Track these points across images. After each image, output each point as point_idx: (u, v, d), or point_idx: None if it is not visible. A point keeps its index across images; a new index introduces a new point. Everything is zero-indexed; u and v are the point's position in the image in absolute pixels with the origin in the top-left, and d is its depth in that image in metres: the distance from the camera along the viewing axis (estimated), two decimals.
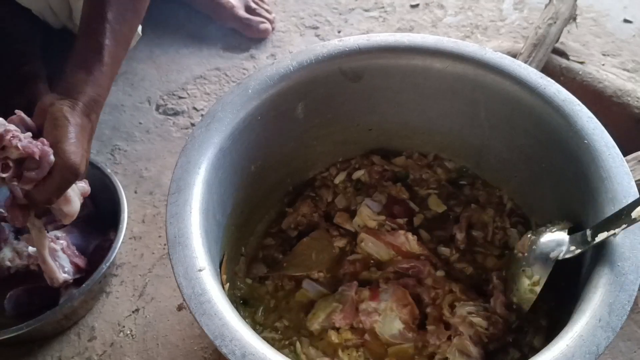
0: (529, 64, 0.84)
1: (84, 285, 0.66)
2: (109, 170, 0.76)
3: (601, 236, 0.47)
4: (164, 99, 0.99)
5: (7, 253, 0.71)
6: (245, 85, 0.59)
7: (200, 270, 0.46)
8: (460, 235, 0.64)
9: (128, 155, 0.90)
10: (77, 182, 0.61)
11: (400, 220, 0.65)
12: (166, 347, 0.69)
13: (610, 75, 0.89)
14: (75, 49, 0.63)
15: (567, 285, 0.53)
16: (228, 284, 0.58)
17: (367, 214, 0.65)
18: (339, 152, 0.71)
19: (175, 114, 0.97)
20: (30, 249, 0.70)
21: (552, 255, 0.51)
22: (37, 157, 0.54)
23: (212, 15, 1.10)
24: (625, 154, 0.53)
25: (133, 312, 0.72)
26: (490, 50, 0.60)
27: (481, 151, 0.65)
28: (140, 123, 0.96)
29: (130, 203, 0.82)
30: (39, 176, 0.55)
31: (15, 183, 0.55)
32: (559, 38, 0.90)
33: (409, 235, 0.62)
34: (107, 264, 0.68)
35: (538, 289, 0.52)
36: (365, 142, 0.70)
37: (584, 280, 0.48)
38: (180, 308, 0.72)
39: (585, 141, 0.53)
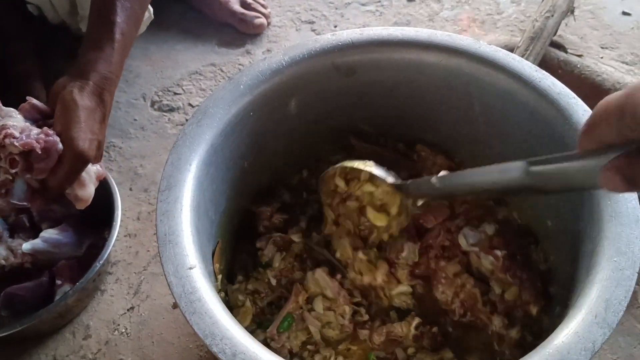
0: (526, 58, 0.83)
1: (78, 283, 0.66)
2: None
3: None
4: (159, 95, 0.99)
5: (1, 251, 0.70)
6: (237, 80, 0.58)
7: (190, 269, 0.45)
8: None
9: (123, 152, 0.90)
10: (92, 165, 0.61)
11: None
12: (161, 345, 0.68)
13: (609, 68, 0.88)
14: (87, 30, 0.64)
15: (565, 278, 0.53)
16: (221, 276, 0.57)
17: None
18: (333, 148, 0.70)
19: (171, 110, 0.96)
20: (25, 246, 0.70)
21: None
22: (39, 151, 0.54)
23: (206, 11, 1.09)
24: None
25: (128, 310, 0.72)
26: (484, 44, 0.60)
27: (475, 146, 0.65)
28: (135, 120, 0.95)
29: (125, 200, 0.82)
30: (48, 166, 0.55)
31: (29, 175, 0.55)
32: (556, 31, 0.89)
33: None
34: (101, 262, 0.67)
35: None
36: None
37: (581, 275, 0.48)
38: (175, 306, 0.70)
39: None
